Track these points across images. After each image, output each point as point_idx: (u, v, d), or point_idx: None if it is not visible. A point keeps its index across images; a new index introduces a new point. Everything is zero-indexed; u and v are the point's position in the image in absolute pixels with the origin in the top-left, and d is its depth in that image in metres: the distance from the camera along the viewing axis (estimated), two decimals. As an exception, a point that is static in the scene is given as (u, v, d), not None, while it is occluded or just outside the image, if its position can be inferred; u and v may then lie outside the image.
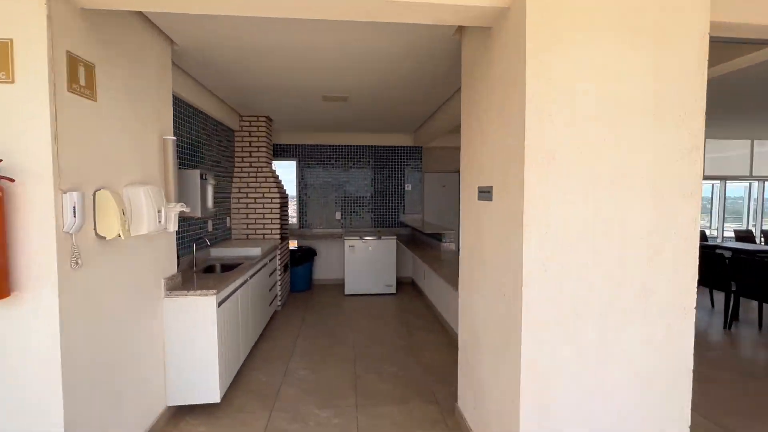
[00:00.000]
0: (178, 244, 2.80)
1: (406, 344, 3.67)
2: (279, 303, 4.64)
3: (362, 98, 3.98)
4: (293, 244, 5.88)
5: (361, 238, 5.30)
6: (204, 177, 2.88)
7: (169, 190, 2.30)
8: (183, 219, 3.11)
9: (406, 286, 5.96)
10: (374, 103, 4.13)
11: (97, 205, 1.73)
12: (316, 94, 3.81)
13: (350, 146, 6.07)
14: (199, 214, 2.82)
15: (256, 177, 4.64)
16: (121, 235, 1.76)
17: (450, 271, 3.49)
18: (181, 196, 2.80)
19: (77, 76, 1.63)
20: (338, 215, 6.12)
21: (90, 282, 1.71)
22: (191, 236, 3.35)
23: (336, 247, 6.06)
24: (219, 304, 2.47)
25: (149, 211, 1.99)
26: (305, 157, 6.02)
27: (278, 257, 4.59)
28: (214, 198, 3.59)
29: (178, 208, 2.31)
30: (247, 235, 4.62)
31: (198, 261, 3.38)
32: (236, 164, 4.67)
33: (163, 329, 2.37)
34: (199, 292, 2.40)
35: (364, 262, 5.32)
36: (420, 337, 3.85)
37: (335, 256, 6.08)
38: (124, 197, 1.94)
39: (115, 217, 1.75)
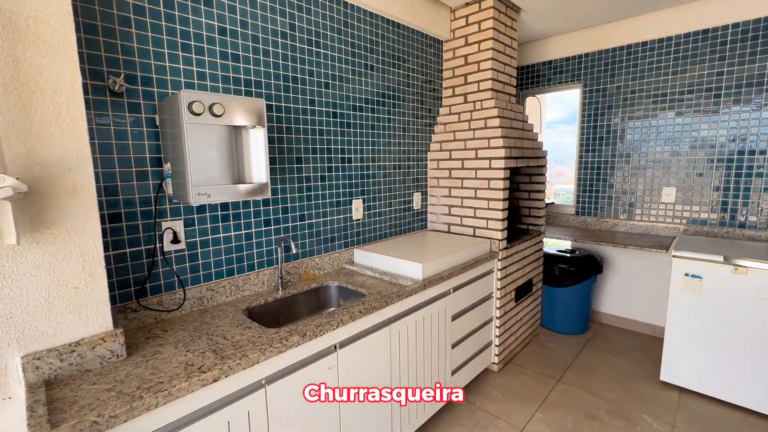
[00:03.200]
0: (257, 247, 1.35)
1: None
2: (495, 357, 2.47)
3: None
4: (559, 244, 3.28)
5: (727, 261, 2.03)
6: (206, 111, 1.21)
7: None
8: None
9: None
10: None
11: None
12: None
13: (707, 31, 2.51)
14: (191, 200, 1.20)
15: (469, 122, 2.50)
16: None
17: None
18: (170, 156, 1.28)
19: None
20: (669, 195, 2.84)
21: None
22: (280, 229, 1.84)
23: (651, 261, 2.89)
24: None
25: None
26: (599, 76, 3.06)
27: (497, 276, 2.36)
28: (273, 159, 1.78)
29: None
30: (449, 225, 2.64)
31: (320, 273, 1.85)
32: (444, 100, 2.70)
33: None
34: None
35: (729, 319, 2.05)
36: None
37: (648, 280, 2.94)
38: None
39: None
